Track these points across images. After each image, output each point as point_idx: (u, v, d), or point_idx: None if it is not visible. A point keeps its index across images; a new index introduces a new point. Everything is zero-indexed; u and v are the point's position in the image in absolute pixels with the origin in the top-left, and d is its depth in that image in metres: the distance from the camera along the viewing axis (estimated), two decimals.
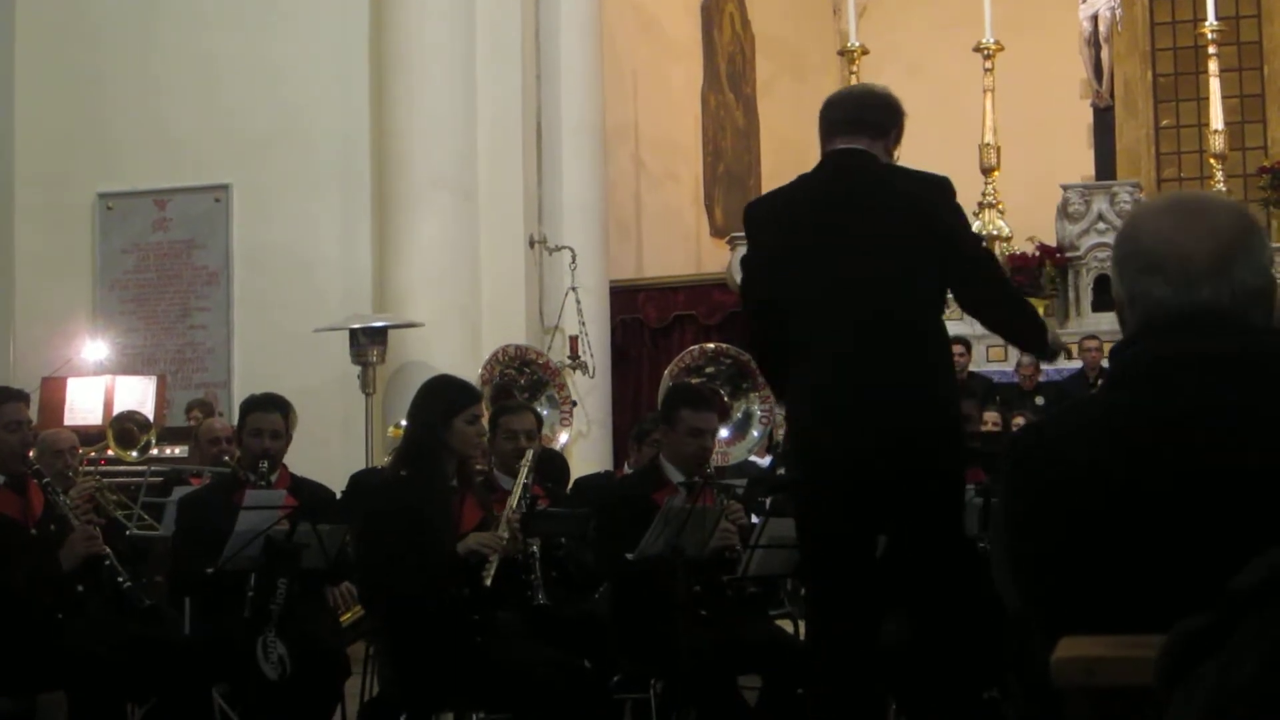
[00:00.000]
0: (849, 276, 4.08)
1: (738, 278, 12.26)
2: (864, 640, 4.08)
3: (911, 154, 4.40)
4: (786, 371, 4.20)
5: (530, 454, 5.11)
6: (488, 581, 4.51)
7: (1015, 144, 13.21)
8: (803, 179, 4.30)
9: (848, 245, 4.09)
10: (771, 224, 4.26)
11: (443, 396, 4.82)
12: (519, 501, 4.84)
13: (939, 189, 4.14)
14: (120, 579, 5.03)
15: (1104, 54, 14.64)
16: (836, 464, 4.04)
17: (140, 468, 7.62)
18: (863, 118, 4.19)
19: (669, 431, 5.21)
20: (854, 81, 13.19)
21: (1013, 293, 4.51)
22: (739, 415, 10.33)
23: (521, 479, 4.96)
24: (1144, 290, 1.86)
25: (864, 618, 4.09)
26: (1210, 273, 1.82)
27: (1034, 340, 4.40)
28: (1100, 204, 12.17)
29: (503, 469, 5.40)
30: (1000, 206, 12.68)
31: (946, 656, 4.07)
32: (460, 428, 4.71)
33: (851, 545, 4.08)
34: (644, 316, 12.66)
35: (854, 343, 4.05)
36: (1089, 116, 15.24)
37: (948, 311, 4.60)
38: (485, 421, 5.22)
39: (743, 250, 12.55)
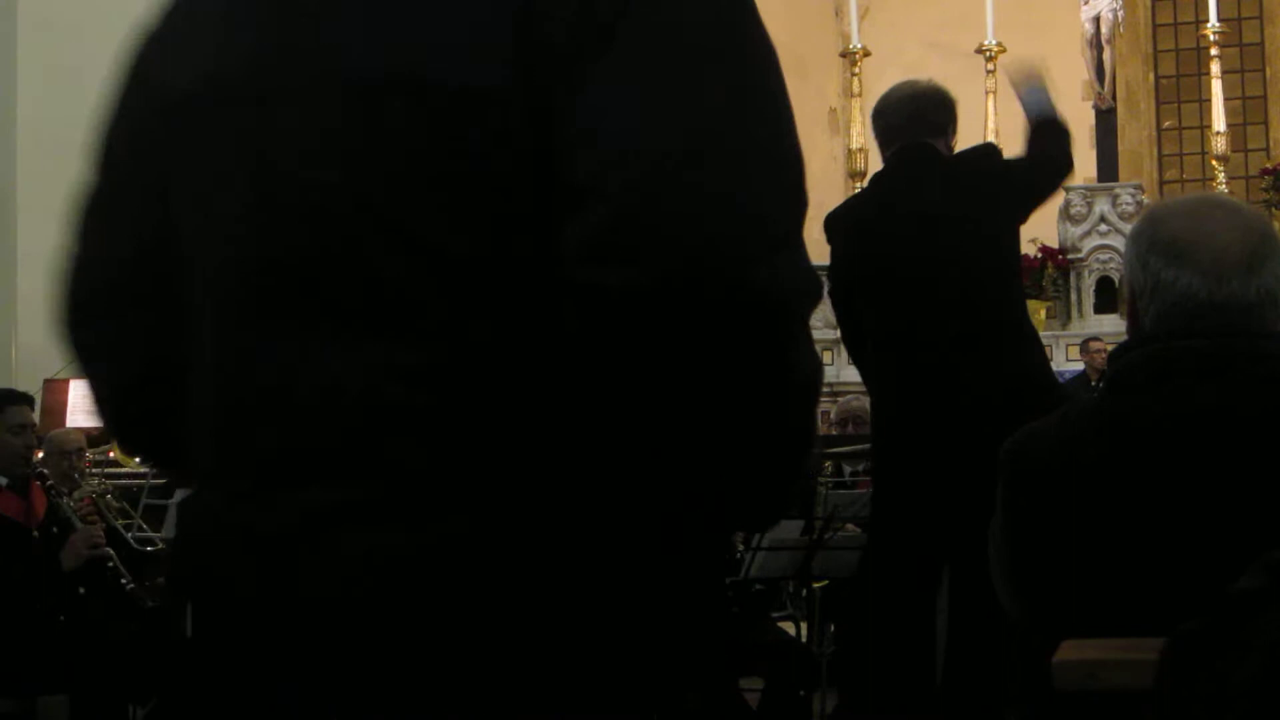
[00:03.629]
0: (926, 273, 4.11)
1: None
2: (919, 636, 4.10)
3: None
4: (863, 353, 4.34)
5: None
6: None
7: (1017, 145, 13.14)
8: (875, 182, 4.41)
9: (921, 246, 4.14)
10: (843, 232, 4.34)
11: None
12: None
13: (988, 158, 4.39)
14: (123, 580, 5.02)
15: (1106, 55, 14.62)
16: (923, 459, 4.06)
17: (144, 469, 7.61)
18: (921, 119, 4.27)
19: None
20: (856, 84, 13.21)
21: (1047, 165, 4.63)
22: None
23: None
24: (1171, 278, 1.84)
25: (922, 613, 4.11)
26: (1241, 268, 1.82)
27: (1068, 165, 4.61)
28: (1102, 206, 12.15)
29: None
30: None
31: (974, 652, 4.06)
32: None
33: (930, 538, 4.08)
34: None
35: (936, 340, 4.07)
36: (1091, 118, 15.20)
37: None
38: None
39: None
